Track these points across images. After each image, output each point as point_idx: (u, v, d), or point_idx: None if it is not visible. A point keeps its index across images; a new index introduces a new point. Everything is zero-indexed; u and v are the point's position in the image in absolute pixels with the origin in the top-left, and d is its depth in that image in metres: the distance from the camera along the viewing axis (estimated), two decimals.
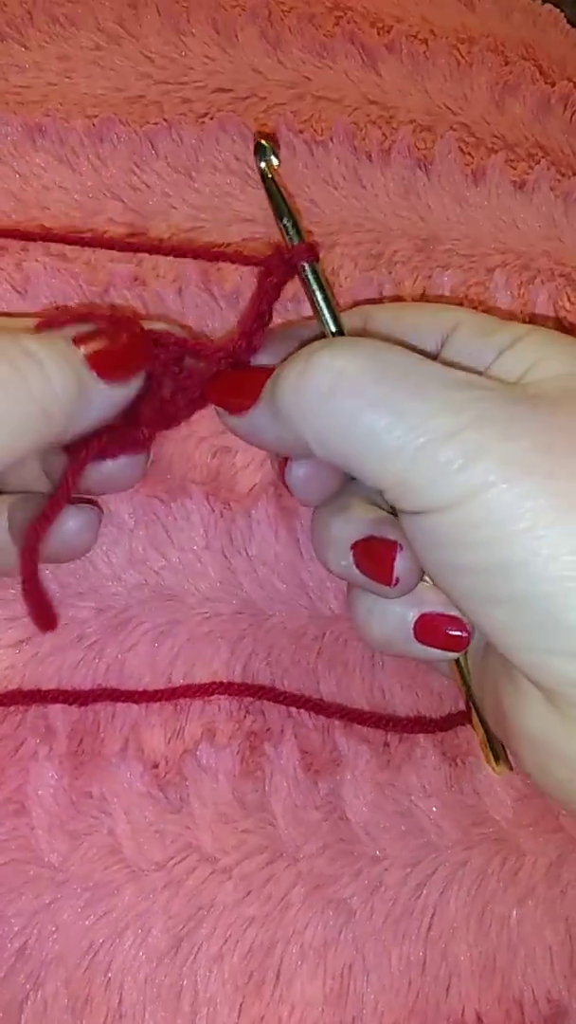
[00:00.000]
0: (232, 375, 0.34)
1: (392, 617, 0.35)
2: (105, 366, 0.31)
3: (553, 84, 0.62)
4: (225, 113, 0.52)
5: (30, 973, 0.35)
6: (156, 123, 0.51)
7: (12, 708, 0.39)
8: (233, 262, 0.43)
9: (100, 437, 0.33)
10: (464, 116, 0.58)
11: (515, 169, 0.57)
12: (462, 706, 0.42)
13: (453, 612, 0.34)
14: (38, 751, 0.39)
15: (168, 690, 0.41)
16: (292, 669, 0.42)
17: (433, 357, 0.33)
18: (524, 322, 0.51)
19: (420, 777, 0.41)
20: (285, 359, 0.31)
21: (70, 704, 0.40)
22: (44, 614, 0.33)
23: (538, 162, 0.58)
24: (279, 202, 0.34)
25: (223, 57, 0.55)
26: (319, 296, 0.34)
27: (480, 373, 0.32)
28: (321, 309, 0.34)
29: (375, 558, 0.33)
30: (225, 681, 0.41)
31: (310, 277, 0.34)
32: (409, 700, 0.43)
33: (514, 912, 0.40)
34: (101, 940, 0.36)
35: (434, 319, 0.35)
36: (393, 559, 0.33)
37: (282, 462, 0.36)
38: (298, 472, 0.35)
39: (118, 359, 0.32)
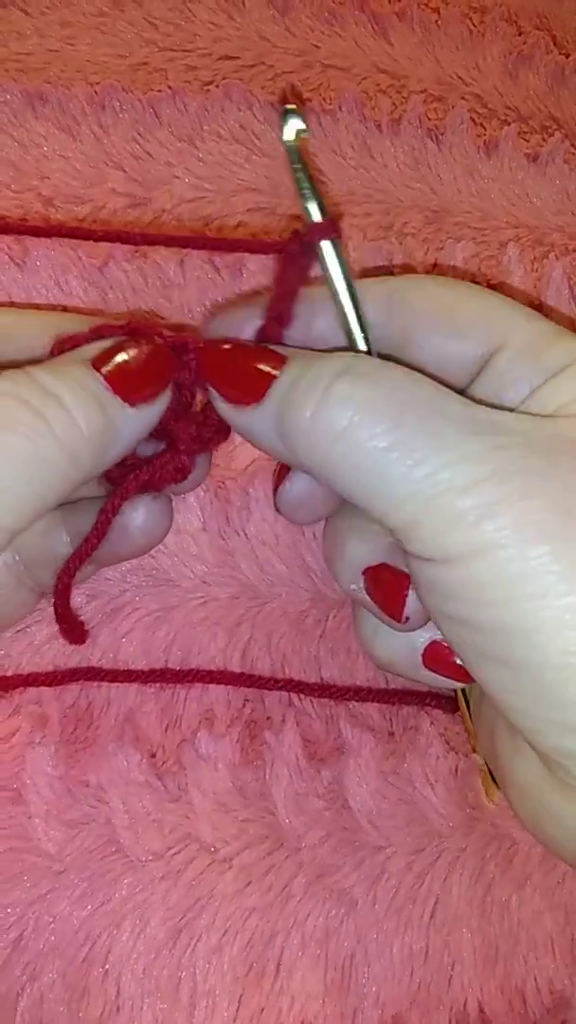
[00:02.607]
0: (235, 357, 0.30)
1: (400, 641, 0.33)
2: (128, 387, 0.29)
3: (567, 55, 0.61)
4: (231, 81, 0.51)
5: (26, 964, 0.35)
6: (160, 91, 0.49)
7: (6, 695, 0.39)
8: (250, 251, 0.41)
9: (137, 475, 0.31)
10: (476, 87, 0.57)
11: (528, 141, 0.56)
12: None
13: None
14: (33, 738, 0.38)
15: (148, 671, 0.40)
16: (292, 655, 0.41)
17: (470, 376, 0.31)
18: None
19: (424, 765, 0.40)
20: (295, 368, 0.29)
21: (48, 685, 0.39)
22: (75, 632, 0.34)
23: (552, 134, 0.56)
24: (305, 181, 0.30)
25: (229, 24, 0.53)
26: (339, 285, 0.30)
27: (512, 409, 0.29)
28: (341, 301, 0.31)
29: (387, 590, 0.32)
30: (217, 669, 0.41)
31: (329, 263, 0.30)
32: (414, 688, 0.42)
33: (514, 897, 0.39)
34: (99, 931, 0.36)
35: (482, 327, 0.31)
36: (405, 595, 0.31)
37: (279, 475, 0.33)
38: (292, 492, 0.33)
39: (141, 377, 0.29)
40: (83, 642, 0.36)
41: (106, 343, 0.29)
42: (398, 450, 0.26)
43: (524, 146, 0.55)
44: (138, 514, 0.32)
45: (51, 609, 0.33)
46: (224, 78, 0.51)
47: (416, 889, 0.39)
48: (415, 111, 0.53)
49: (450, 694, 0.42)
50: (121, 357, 0.29)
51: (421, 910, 0.39)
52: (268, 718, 0.41)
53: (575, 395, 0.29)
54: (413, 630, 0.32)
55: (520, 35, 0.60)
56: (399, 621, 0.31)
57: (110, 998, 0.35)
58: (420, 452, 0.26)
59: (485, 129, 0.55)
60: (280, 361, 0.29)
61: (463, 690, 0.36)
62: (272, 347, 0.30)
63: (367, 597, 0.32)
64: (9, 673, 0.39)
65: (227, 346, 0.31)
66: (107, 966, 0.35)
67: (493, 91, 0.57)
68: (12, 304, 0.43)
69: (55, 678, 0.39)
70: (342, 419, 0.27)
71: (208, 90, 0.51)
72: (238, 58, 0.52)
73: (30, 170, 0.45)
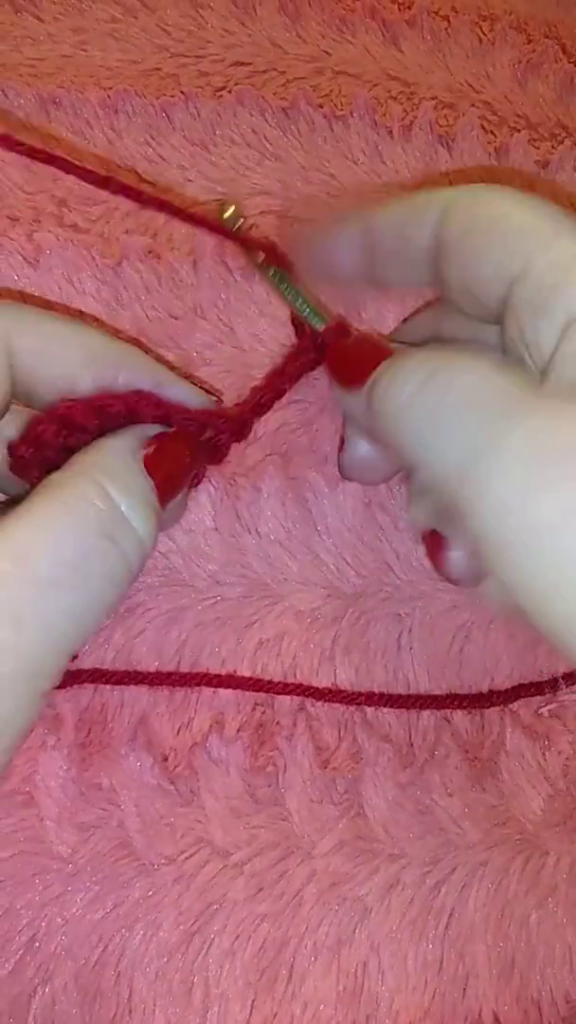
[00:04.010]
0: (354, 350, 0.34)
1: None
2: (169, 493, 0.29)
3: None
4: (243, 87, 0.51)
5: (39, 966, 0.35)
6: (172, 96, 0.50)
7: None
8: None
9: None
10: (486, 94, 0.57)
11: (538, 149, 0.56)
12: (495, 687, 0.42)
13: None
14: (46, 740, 0.38)
15: (155, 674, 0.40)
16: (304, 657, 0.41)
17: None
18: None
19: (442, 776, 0.40)
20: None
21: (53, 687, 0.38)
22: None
23: (561, 142, 0.56)
24: (298, 303, 0.36)
25: (241, 31, 0.53)
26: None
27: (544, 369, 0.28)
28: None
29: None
30: (227, 673, 0.40)
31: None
32: (435, 691, 0.41)
33: (534, 913, 0.39)
34: (111, 933, 0.35)
35: (502, 259, 0.28)
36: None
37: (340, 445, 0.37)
38: (353, 456, 0.36)
39: (179, 481, 0.30)
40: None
41: (148, 432, 0.30)
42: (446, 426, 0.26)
43: (534, 153, 0.55)
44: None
45: None
46: (236, 84, 0.51)
47: (431, 900, 0.38)
48: (426, 117, 0.53)
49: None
50: (164, 459, 0.29)
51: (436, 921, 0.38)
52: (278, 723, 0.40)
53: None
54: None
55: (529, 43, 0.60)
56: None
57: (122, 1001, 0.35)
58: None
59: (495, 136, 0.55)
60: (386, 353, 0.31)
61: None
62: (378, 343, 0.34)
63: None
64: None
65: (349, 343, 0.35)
66: (119, 969, 0.35)
67: (503, 99, 0.57)
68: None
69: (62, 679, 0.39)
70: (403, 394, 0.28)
71: (220, 96, 0.51)
72: (250, 64, 0.52)
73: (43, 172, 0.45)
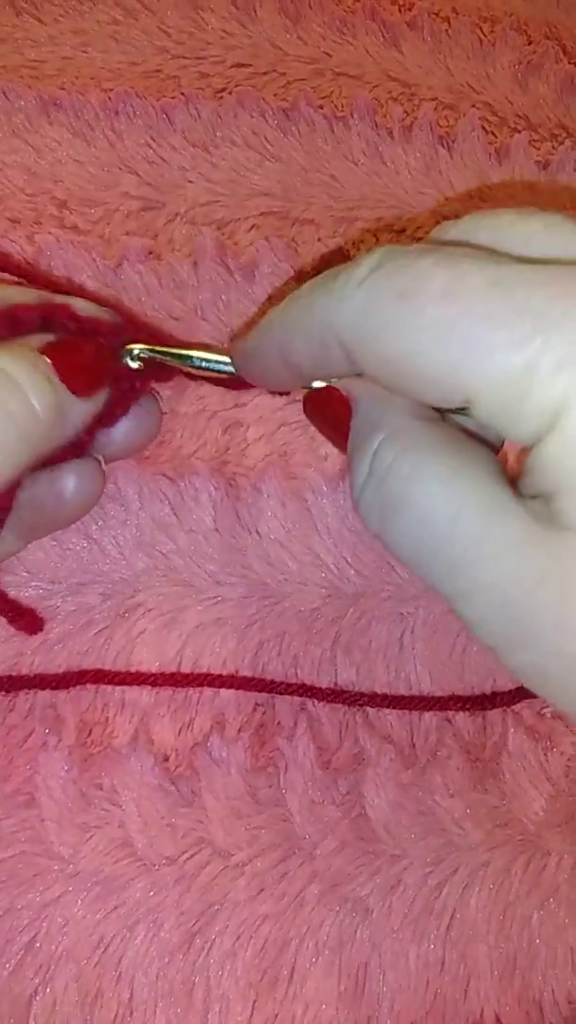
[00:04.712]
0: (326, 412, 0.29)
1: None
2: (79, 383, 0.29)
3: None
4: (243, 88, 0.51)
5: (40, 967, 0.34)
6: (173, 97, 0.50)
7: (20, 697, 0.38)
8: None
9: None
10: (487, 95, 0.57)
11: (539, 149, 0.56)
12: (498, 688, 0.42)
13: None
14: (47, 741, 0.38)
15: (156, 675, 0.40)
16: (305, 657, 0.41)
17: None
18: None
19: (444, 777, 0.40)
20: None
21: (53, 688, 0.39)
22: (22, 621, 0.35)
23: (562, 142, 0.57)
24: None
25: (241, 32, 0.54)
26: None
27: None
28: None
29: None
30: (228, 673, 0.40)
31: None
32: (438, 692, 0.42)
33: (536, 913, 0.39)
34: (112, 934, 0.35)
35: (436, 396, 0.24)
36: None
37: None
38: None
39: (91, 374, 0.30)
40: (37, 631, 0.36)
41: (49, 336, 0.30)
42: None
43: (535, 154, 0.55)
44: (71, 479, 0.32)
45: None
46: (237, 85, 0.51)
47: (433, 901, 0.38)
48: (426, 118, 0.53)
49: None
50: (72, 351, 0.30)
51: (437, 922, 0.38)
52: (278, 723, 0.40)
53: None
54: None
55: (530, 44, 0.60)
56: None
57: (123, 1001, 0.35)
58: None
59: (496, 137, 0.56)
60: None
61: None
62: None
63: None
64: (23, 672, 0.38)
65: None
66: (120, 969, 0.35)
67: (503, 100, 0.57)
68: None
69: (60, 680, 0.39)
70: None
71: (221, 97, 0.51)
72: (250, 66, 0.53)
73: (44, 174, 0.45)
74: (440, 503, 0.23)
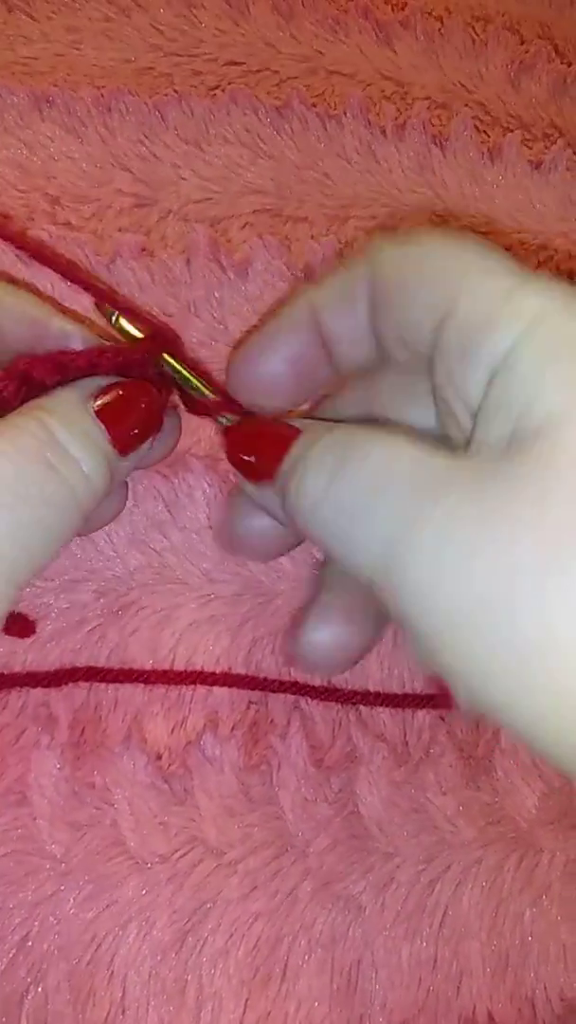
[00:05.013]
0: (254, 440, 0.31)
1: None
2: (126, 442, 0.29)
3: (569, 64, 0.61)
4: (236, 86, 0.51)
5: (31, 965, 0.34)
6: (166, 95, 0.50)
7: (13, 695, 0.38)
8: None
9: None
10: (479, 94, 0.57)
11: (531, 149, 0.56)
12: None
13: None
14: (40, 739, 0.37)
15: (148, 672, 0.39)
16: None
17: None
18: None
19: (437, 774, 0.40)
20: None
21: (45, 686, 0.38)
22: (15, 627, 0.35)
23: (554, 142, 0.57)
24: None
25: (234, 30, 0.54)
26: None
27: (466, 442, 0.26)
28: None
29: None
30: (221, 671, 0.40)
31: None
32: (431, 690, 0.41)
33: (528, 911, 0.39)
34: (104, 933, 0.35)
35: (429, 299, 0.26)
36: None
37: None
38: (250, 526, 0.33)
39: (143, 436, 0.29)
40: (29, 635, 0.36)
41: (101, 383, 0.29)
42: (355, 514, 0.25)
43: (527, 153, 0.56)
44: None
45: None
46: (230, 83, 0.52)
47: (425, 898, 0.38)
48: (419, 117, 0.53)
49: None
50: (121, 408, 0.29)
51: (430, 919, 0.38)
52: (271, 721, 0.40)
53: (528, 397, 0.22)
54: None
55: (522, 44, 0.60)
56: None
57: (115, 1000, 0.34)
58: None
59: (488, 136, 0.56)
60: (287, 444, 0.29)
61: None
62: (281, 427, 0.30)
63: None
64: (16, 670, 0.38)
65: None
66: (112, 968, 0.35)
67: (496, 99, 0.58)
68: None
69: (53, 678, 0.38)
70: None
71: (214, 94, 0.51)
72: (243, 64, 0.53)
73: (36, 170, 0.45)
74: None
